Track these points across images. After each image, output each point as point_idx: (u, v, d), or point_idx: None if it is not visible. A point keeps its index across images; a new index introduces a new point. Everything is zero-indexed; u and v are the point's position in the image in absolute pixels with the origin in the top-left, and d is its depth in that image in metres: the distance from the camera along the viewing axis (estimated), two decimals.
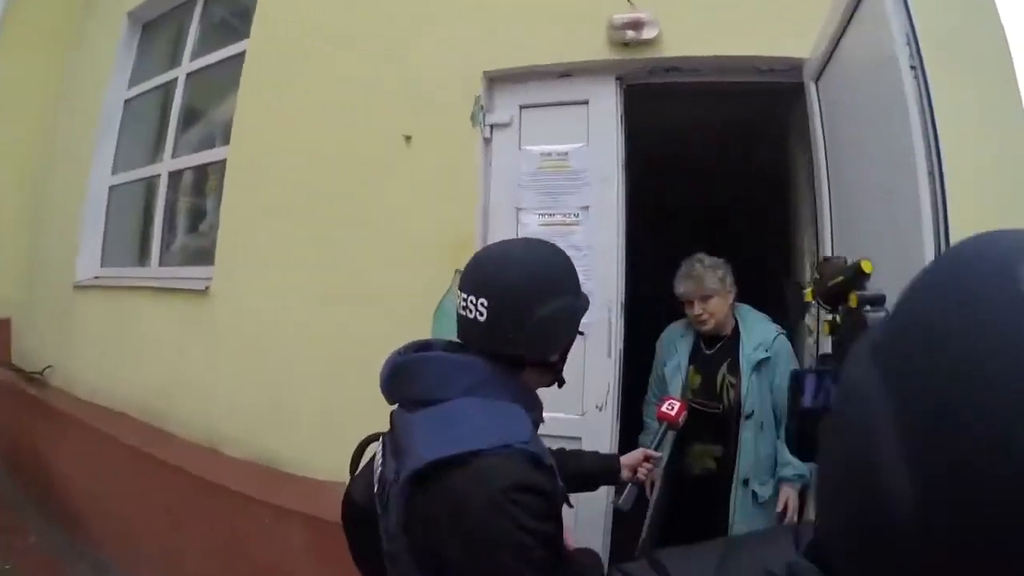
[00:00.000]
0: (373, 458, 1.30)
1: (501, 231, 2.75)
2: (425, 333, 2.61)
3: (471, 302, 1.23)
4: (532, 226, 2.76)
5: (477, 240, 2.72)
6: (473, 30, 2.85)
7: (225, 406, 3.21)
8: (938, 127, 1.66)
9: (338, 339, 2.88)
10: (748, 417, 2.46)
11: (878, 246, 1.94)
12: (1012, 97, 2.20)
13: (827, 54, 2.36)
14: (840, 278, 1.35)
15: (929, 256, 1.61)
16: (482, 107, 2.79)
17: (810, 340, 2.78)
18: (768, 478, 2.49)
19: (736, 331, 2.61)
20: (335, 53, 3.12)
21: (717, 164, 4.72)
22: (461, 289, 1.28)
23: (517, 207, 2.78)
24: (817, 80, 2.55)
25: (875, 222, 2.05)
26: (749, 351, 2.52)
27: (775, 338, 2.55)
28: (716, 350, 2.62)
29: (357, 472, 1.38)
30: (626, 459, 1.83)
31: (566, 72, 2.78)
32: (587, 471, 1.73)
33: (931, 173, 1.65)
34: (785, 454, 2.44)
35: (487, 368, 1.21)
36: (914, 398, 0.40)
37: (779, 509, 2.41)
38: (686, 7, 2.70)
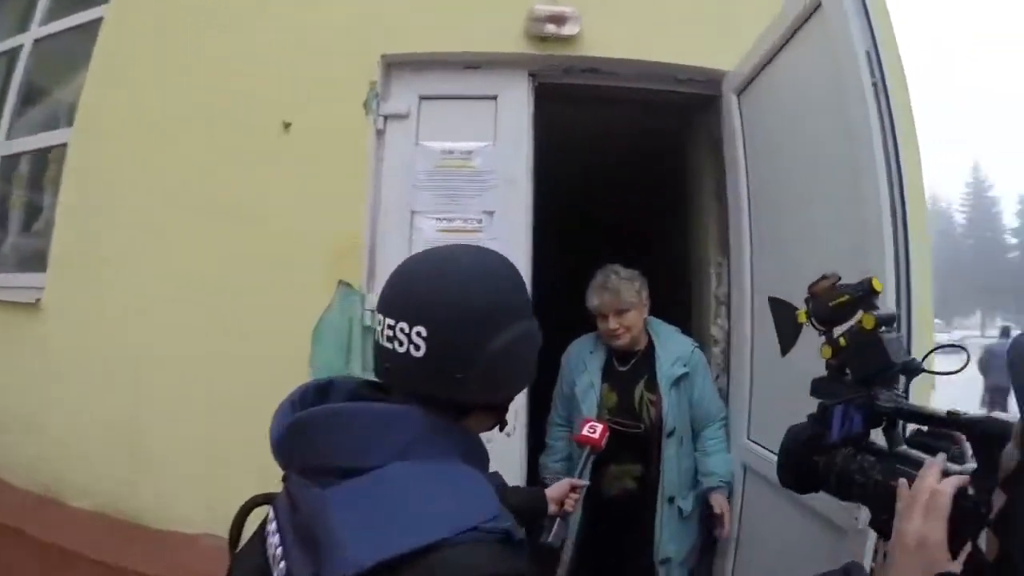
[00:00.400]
0: (263, 531, 1.00)
1: (392, 236, 2.51)
2: (304, 354, 2.36)
3: (401, 331, 0.98)
4: (428, 232, 2.54)
5: (364, 246, 2.45)
6: (372, 6, 2.59)
7: (65, 447, 2.67)
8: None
9: (201, 362, 2.48)
10: (670, 434, 2.41)
11: (818, 261, 1.93)
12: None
13: (757, 68, 2.36)
14: (845, 297, 1.29)
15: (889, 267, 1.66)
16: (377, 94, 2.53)
17: (716, 351, 2.82)
18: (688, 492, 2.49)
19: (650, 346, 2.54)
20: (206, 25, 2.72)
21: (622, 173, 4.74)
22: (384, 313, 1.02)
23: (412, 210, 2.54)
24: (740, 93, 2.55)
25: (819, 233, 2.06)
26: (667, 367, 2.46)
27: (692, 352, 2.54)
28: (631, 367, 2.52)
29: (239, 549, 1.07)
30: (552, 492, 1.75)
31: (475, 63, 2.60)
32: (515, 509, 1.49)
33: (890, 183, 1.69)
34: (708, 464, 2.46)
35: (425, 419, 0.96)
36: None
37: (717, 512, 2.39)
38: (610, 7, 2.62)
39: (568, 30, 2.50)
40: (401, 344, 0.97)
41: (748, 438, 2.45)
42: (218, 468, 2.38)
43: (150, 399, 2.58)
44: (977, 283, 54.23)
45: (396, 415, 0.94)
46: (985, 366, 10.97)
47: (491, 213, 2.56)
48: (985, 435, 0.93)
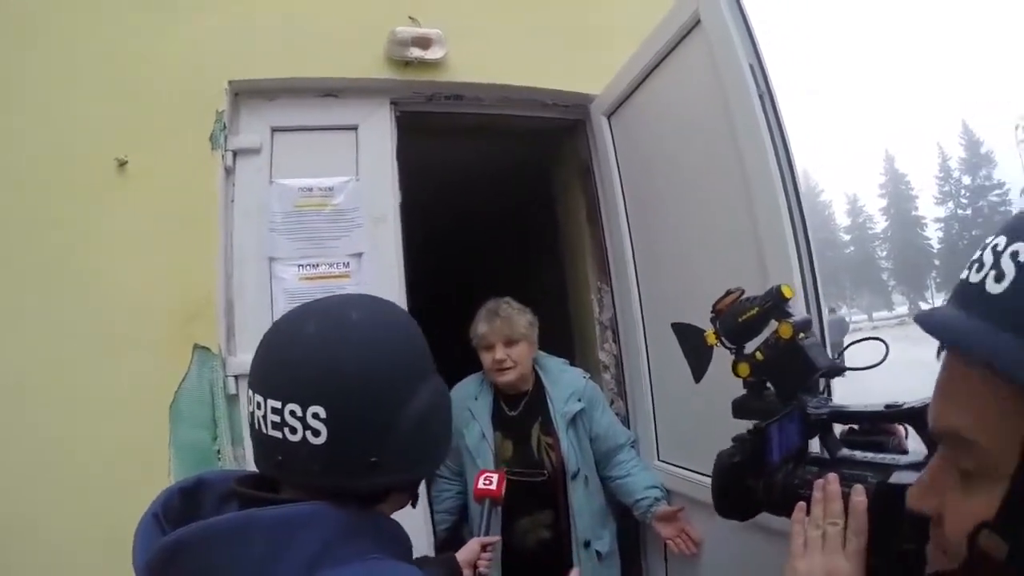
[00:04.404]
0: None
1: (250, 288, 2.41)
2: (163, 435, 2.18)
3: (292, 415, 0.89)
4: (290, 281, 2.46)
5: (219, 301, 2.32)
6: (218, 27, 2.48)
7: None
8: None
9: (25, 448, 2.13)
10: (575, 476, 2.48)
11: (710, 275, 2.18)
12: None
13: (630, 89, 2.58)
14: (755, 310, 1.39)
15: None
16: (224, 126, 2.41)
17: (607, 376, 3.01)
18: (604, 531, 2.55)
19: (539, 385, 2.62)
20: (26, 45, 2.38)
21: (492, 204, 4.95)
22: (263, 393, 0.92)
23: (270, 256, 2.46)
24: (611, 115, 2.80)
25: (708, 247, 2.25)
26: (560, 405, 2.54)
27: (585, 384, 2.63)
28: (522, 410, 2.58)
29: None
30: (463, 556, 1.77)
31: (332, 90, 2.60)
32: None
33: (786, 190, 1.88)
34: (635, 484, 2.51)
35: (337, 517, 0.87)
36: None
37: (668, 532, 2.40)
38: (475, 31, 2.74)
39: (433, 54, 2.58)
40: (294, 431, 0.89)
41: (659, 459, 2.61)
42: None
43: None
44: (821, 278, 62.21)
45: (300, 519, 0.85)
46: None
47: (359, 255, 2.54)
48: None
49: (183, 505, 0.94)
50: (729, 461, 1.27)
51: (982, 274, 0.59)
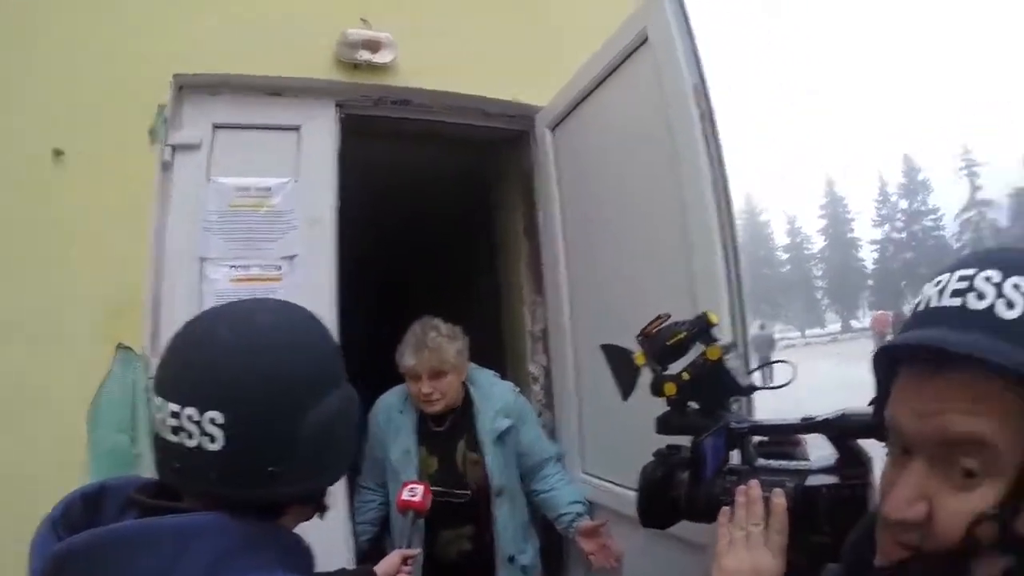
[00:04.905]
0: None
1: (179, 288, 2.36)
2: (75, 436, 2.11)
3: (189, 419, 0.87)
4: (221, 282, 2.43)
5: (146, 301, 2.28)
6: (166, 19, 2.44)
7: None
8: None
9: None
10: (499, 494, 2.50)
11: (641, 293, 2.28)
12: None
13: (574, 102, 2.64)
14: (683, 334, 1.50)
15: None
16: (166, 120, 2.37)
17: (537, 388, 3.06)
18: (527, 545, 2.59)
19: (467, 399, 2.61)
20: None
21: (433, 211, 4.97)
22: (163, 395, 0.91)
23: (202, 256, 2.42)
24: (554, 128, 2.85)
25: (641, 264, 2.31)
26: (488, 423, 2.54)
27: (515, 399, 2.65)
28: (448, 426, 2.58)
29: None
30: (382, 568, 1.77)
31: (278, 89, 2.58)
32: None
33: (720, 212, 1.95)
34: (558, 499, 2.54)
35: (234, 529, 0.86)
36: None
37: (590, 547, 2.42)
38: (425, 37, 2.76)
39: (382, 58, 2.59)
40: (191, 436, 0.87)
41: (584, 472, 2.66)
42: None
43: None
44: (757, 296, 66.34)
45: (194, 530, 0.84)
46: (753, 348, 18.45)
47: (292, 258, 2.52)
48: (845, 431, 1.16)
49: (84, 512, 0.92)
50: (653, 475, 1.38)
51: (986, 303, 0.70)
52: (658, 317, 1.60)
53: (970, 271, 0.72)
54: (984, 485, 0.69)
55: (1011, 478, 0.67)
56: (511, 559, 2.51)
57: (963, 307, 0.71)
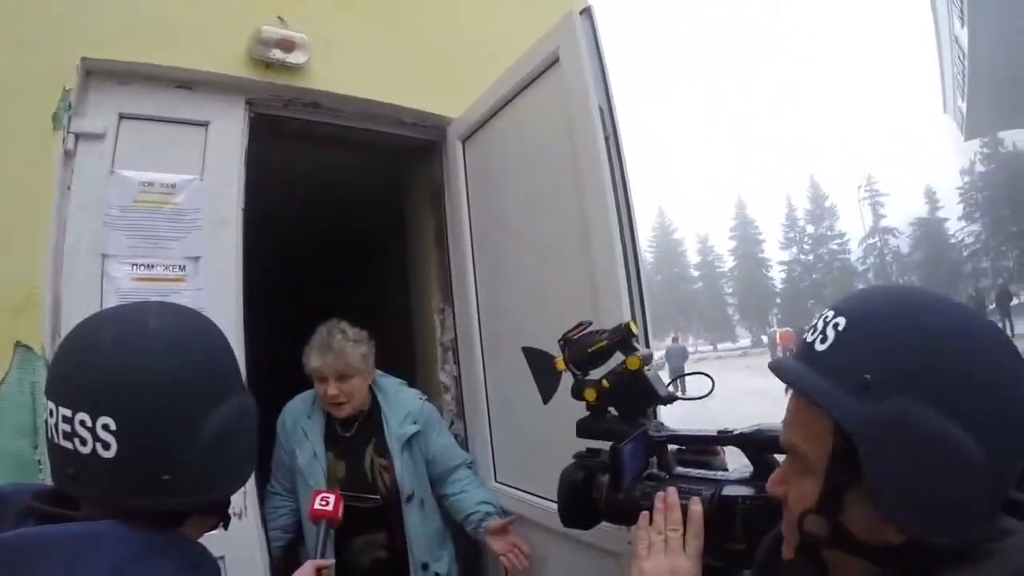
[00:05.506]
0: None
1: (79, 285, 2.29)
2: None
3: (82, 425, 0.86)
4: (122, 280, 2.36)
5: (46, 297, 2.19)
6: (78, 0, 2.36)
7: None
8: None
9: None
10: (409, 499, 2.54)
11: (547, 304, 2.37)
12: None
13: (486, 116, 2.73)
14: (603, 342, 1.57)
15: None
16: (70, 106, 2.28)
17: (448, 397, 3.12)
18: (442, 552, 2.63)
19: (375, 406, 2.66)
20: None
21: (343, 217, 4.99)
22: (55, 399, 0.90)
23: (103, 252, 2.35)
24: (466, 140, 2.94)
25: (547, 278, 2.41)
26: (396, 428, 2.60)
27: (421, 406, 2.69)
28: (356, 431, 2.62)
29: None
30: None
31: (187, 82, 2.55)
32: None
33: (622, 230, 2.05)
34: (467, 501, 2.59)
35: (131, 538, 0.85)
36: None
37: (500, 546, 2.46)
38: (340, 42, 2.80)
39: (295, 58, 2.61)
40: (84, 442, 0.86)
41: (496, 481, 2.72)
42: None
43: None
44: (672, 310, 69.46)
45: (90, 538, 0.84)
46: (667, 359, 23.11)
47: (196, 259, 2.48)
48: (758, 445, 1.24)
49: None
50: (574, 477, 1.46)
51: (814, 336, 0.86)
52: (579, 324, 1.68)
53: (827, 311, 0.88)
54: (808, 483, 0.86)
55: (820, 481, 0.84)
56: (425, 566, 2.54)
57: (804, 341, 0.89)
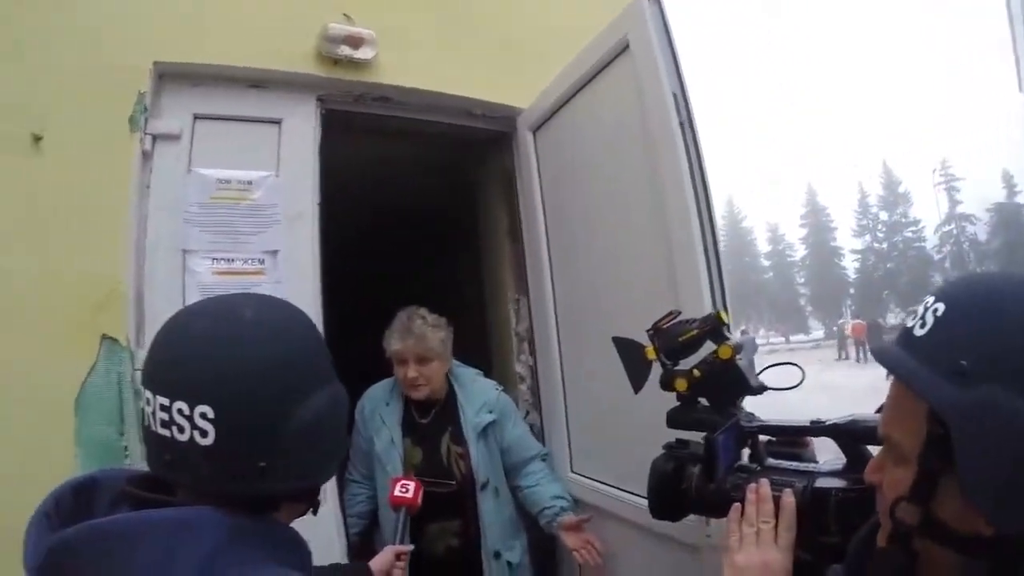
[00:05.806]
0: None
1: (161, 280, 2.37)
2: (67, 430, 2.10)
3: (180, 413, 0.88)
4: (203, 275, 2.44)
5: (129, 292, 2.27)
6: (148, 5, 2.44)
7: None
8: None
9: None
10: (484, 487, 2.57)
11: (623, 293, 2.35)
12: None
13: (556, 106, 2.70)
14: (694, 332, 1.55)
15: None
16: (146, 108, 2.35)
17: (523, 388, 3.11)
18: (514, 542, 2.64)
19: (451, 395, 2.69)
20: None
21: (415, 210, 5.06)
22: (152, 389, 0.92)
23: (184, 248, 2.43)
24: (536, 130, 2.91)
25: (623, 266, 2.37)
26: (472, 416, 2.63)
27: (497, 396, 2.72)
28: (433, 418, 2.66)
29: None
30: (376, 564, 1.80)
31: (260, 81, 2.61)
32: None
33: (700, 219, 2.01)
34: (542, 495, 2.59)
35: (226, 523, 0.87)
36: None
37: (574, 542, 2.45)
38: (408, 35, 2.82)
39: (363, 54, 2.64)
40: (182, 430, 0.88)
41: (572, 471, 2.71)
42: None
43: None
44: (742, 301, 67.97)
45: (187, 523, 0.85)
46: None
47: (274, 253, 2.54)
48: (853, 435, 1.21)
49: (75, 504, 0.93)
50: (664, 467, 1.43)
51: (914, 322, 0.85)
52: (669, 313, 1.66)
53: (928, 298, 0.86)
54: (901, 472, 0.86)
55: (914, 469, 0.83)
56: (497, 555, 2.56)
57: (905, 326, 0.88)
